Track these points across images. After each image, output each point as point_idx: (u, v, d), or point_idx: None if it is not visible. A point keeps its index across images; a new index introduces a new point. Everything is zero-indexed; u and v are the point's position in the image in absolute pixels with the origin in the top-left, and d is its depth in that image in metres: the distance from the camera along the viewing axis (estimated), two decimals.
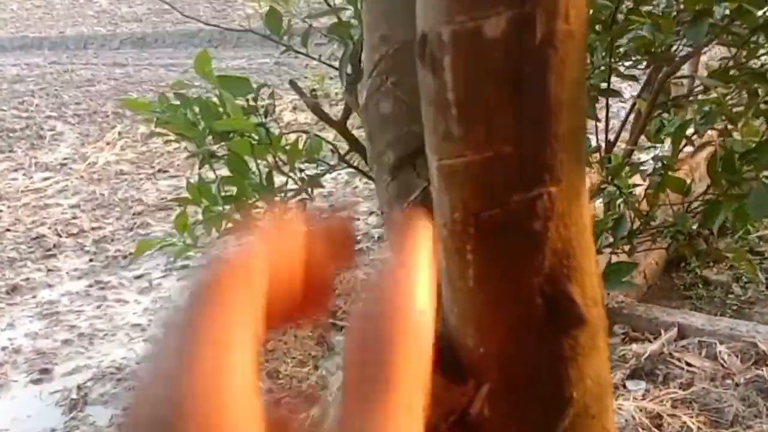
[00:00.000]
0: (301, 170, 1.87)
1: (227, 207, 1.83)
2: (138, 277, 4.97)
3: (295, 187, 1.96)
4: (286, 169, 1.89)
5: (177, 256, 2.07)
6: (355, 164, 2.08)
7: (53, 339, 4.27)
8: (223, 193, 1.76)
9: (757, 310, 3.55)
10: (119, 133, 7.87)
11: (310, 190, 1.84)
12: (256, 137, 1.82)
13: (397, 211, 0.86)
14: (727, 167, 1.63)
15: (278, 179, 1.88)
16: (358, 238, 5.54)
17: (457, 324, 0.49)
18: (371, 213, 6.05)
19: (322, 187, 1.89)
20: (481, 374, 0.48)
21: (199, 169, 1.87)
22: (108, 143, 7.62)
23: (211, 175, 1.91)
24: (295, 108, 8.42)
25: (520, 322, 0.46)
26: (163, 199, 6.41)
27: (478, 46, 0.40)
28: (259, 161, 1.86)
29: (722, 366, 3.02)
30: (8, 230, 5.79)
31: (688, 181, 2.03)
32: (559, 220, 0.44)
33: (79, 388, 3.80)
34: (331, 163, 1.94)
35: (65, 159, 7.41)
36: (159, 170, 7.08)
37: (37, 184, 6.80)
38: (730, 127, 2.17)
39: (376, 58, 0.90)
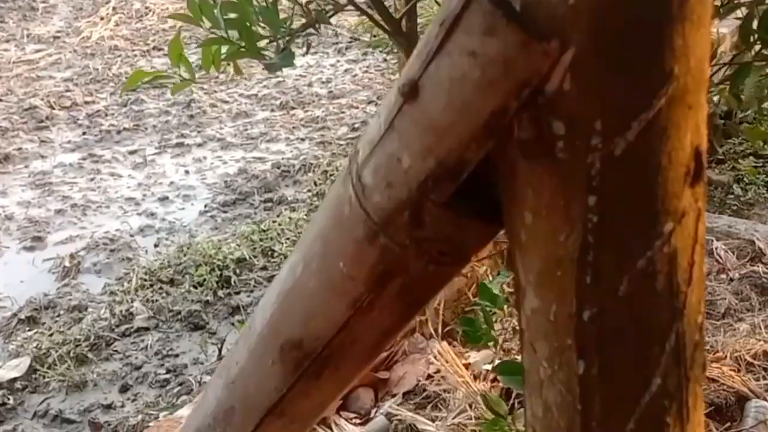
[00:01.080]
0: (309, 2, 1.76)
1: (229, 33, 1.70)
2: (132, 153, 4.90)
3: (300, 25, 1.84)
4: None
5: (174, 91, 1.98)
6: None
7: (46, 208, 4.23)
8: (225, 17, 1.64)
9: (756, 212, 3.54)
10: (113, 9, 7.64)
11: (317, 26, 1.73)
12: None
13: None
14: (764, 26, 1.55)
15: (283, 15, 1.77)
16: (357, 126, 5.48)
17: None
18: (370, 102, 5.96)
19: (330, 24, 1.79)
20: (567, 32, 0.40)
21: None
22: (102, 18, 7.41)
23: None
24: None
25: None
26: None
27: None
28: None
29: (717, 262, 3.02)
30: (0, 100, 5.68)
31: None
32: None
33: (72, 256, 3.79)
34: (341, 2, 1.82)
35: (58, 32, 7.21)
36: (154, 48, 6.91)
37: (29, 56, 6.63)
38: None
39: None
